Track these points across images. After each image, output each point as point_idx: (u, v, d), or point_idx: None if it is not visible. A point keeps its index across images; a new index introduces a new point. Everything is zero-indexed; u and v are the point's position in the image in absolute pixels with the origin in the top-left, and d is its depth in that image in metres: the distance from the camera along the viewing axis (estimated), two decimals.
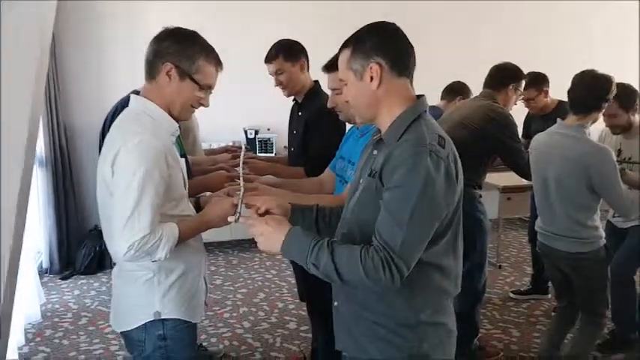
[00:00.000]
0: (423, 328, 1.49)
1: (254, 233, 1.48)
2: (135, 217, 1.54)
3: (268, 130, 5.34)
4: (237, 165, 2.38)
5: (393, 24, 1.53)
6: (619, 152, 3.26)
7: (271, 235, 1.46)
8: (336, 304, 1.61)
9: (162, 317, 1.70)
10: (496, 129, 3.09)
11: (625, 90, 2.96)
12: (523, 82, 3.34)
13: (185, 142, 2.71)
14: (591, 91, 2.63)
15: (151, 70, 1.72)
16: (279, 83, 2.68)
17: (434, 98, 4.42)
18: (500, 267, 4.91)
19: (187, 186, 1.83)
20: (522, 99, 3.62)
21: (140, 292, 1.70)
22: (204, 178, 2.28)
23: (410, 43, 1.53)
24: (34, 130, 1.66)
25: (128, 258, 1.56)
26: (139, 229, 1.54)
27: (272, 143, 5.23)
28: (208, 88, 1.77)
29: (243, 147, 2.63)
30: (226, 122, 5.28)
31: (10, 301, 1.69)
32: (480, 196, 3.25)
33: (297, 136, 2.73)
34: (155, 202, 1.58)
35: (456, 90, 4.20)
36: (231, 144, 4.37)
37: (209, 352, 3.32)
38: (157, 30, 1.75)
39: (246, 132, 5.36)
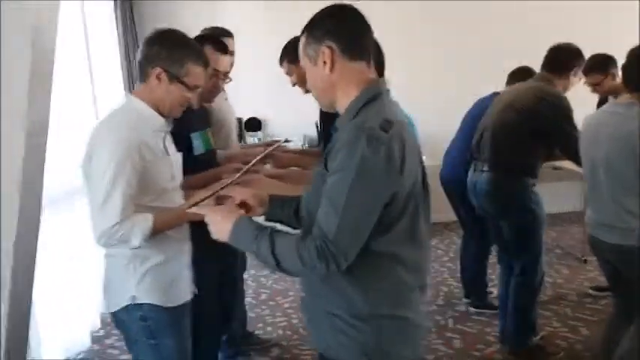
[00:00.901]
0: (380, 321, 1.44)
1: (207, 222, 1.53)
2: (106, 207, 1.65)
3: None
4: (264, 157, 2.46)
5: (349, 6, 1.50)
6: None
7: (220, 225, 1.49)
8: (303, 295, 1.61)
9: (138, 302, 1.80)
10: (547, 109, 2.90)
11: None
12: (583, 65, 3.10)
13: (218, 136, 2.80)
14: None
15: (142, 73, 1.82)
16: (293, 84, 2.72)
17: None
18: (585, 261, 4.56)
19: (177, 180, 1.91)
20: (587, 84, 3.34)
21: (119, 276, 1.82)
22: (217, 170, 2.35)
23: (367, 25, 1.49)
24: (38, 132, 1.80)
25: (102, 244, 1.68)
26: (109, 218, 1.65)
27: None
28: (196, 88, 1.86)
29: (281, 141, 2.70)
30: (300, 117, 5.39)
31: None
32: (534, 185, 3.06)
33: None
34: (127, 192, 1.67)
35: (521, 75, 3.95)
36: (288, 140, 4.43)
37: (259, 340, 3.41)
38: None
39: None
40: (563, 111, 2.91)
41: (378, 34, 1.49)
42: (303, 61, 1.52)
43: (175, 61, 1.78)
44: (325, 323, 1.49)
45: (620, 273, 2.53)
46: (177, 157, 1.95)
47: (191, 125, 2.41)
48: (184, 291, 1.92)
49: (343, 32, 1.46)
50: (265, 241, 1.39)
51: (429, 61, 5.53)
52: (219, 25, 3.26)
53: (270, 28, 4.83)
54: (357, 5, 1.49)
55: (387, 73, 5.54)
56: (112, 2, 4.59)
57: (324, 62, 1.45)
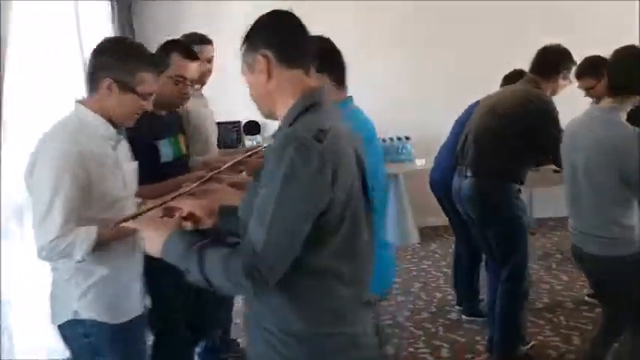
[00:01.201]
0: (315, 339, 1.38)
1: (141, 237, 1.48)
2: (46, 220, 1.62)
3: None
4: (236, 164, 2.41)
5: (287, 13, 1.45)
6: None
7: (152, 239, 1.44)
8: (245, 311, 1.56)
9: (80, 317, 1.75)
10: (534, 112, 2.84)
11: None
12: (573, 68, 3.01)
13: (195, 142, 2.76)
14: (635, 69, 2.29)
15: (92, 83, 1.78)
16: None
17: None
18: None
19: (129, 190, 1.87)
20: (580, 88, 3.25)
21: (62, 291, 1.78)
22: (178, 178, 2.28)
23: (304, 31, 1.44)
24: None
25: (43, 258, 1.65)
26: (48, 232, 1.62)
27: None
28: (150, 95, 1.82)
29: (261, 147, 2.65)
30: None
31: None
32: (519, 190, 2.98)
33: None
34: (67, 205, 1.64)
35: (515, 78, 3.85)
36: None
37: (240, 348, 3.36)
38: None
39: None
40: (550, 114, 2.83)
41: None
42: (243, 69, 1.48)
43: (126, 71, 1.75)
44: (258, 338, 1.45)
45: (605, 283, 2.44)
46: (130, 166, 1.91)
47: (158, 132, 2.38)
48: (133, 305, 1.87)
49: (278, 40, 1.41)
50: (194, 258, 1.34)
51: (424, 64, 5.44)
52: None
53: None
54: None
55: (386, 76, 5.50)
56: (109, 2, 4.58)
57: (261, 70, 1.41)
